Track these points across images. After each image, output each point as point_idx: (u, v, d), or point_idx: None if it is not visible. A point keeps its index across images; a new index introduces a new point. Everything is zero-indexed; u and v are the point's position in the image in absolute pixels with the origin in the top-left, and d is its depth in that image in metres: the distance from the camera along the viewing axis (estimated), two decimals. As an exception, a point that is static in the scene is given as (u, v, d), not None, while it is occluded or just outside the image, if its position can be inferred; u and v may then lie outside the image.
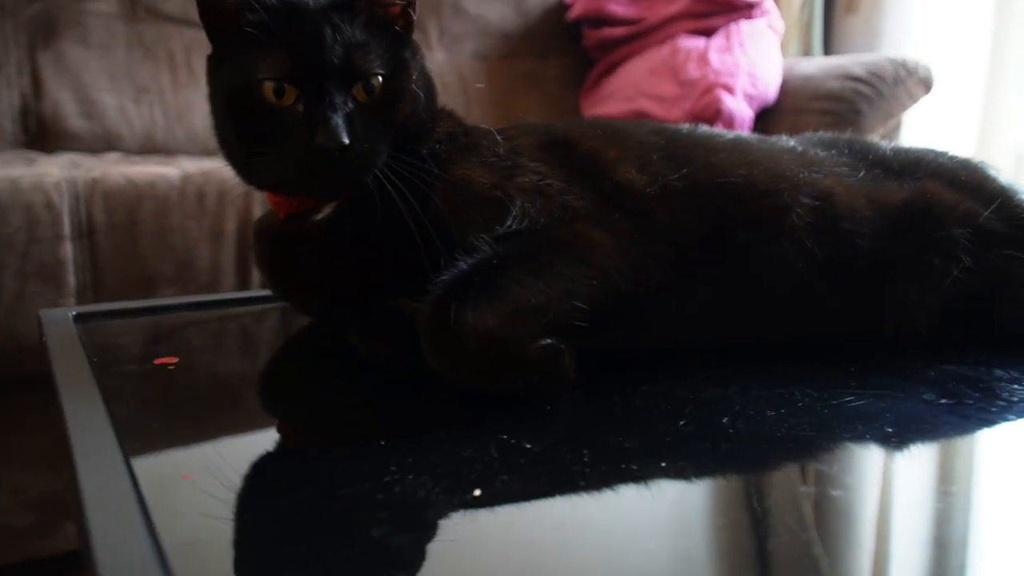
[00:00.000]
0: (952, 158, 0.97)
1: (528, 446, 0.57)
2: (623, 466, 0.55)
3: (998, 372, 0.74)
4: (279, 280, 0.84)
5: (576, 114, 2.70)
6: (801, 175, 0.85)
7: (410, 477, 0.52)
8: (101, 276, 1.39)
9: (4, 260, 1.31)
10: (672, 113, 2.31)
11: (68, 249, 1.36)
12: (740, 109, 2.21)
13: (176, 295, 1.40)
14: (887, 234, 0.84)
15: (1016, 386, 0.71)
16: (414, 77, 0.81)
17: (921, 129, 2.58)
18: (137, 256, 1.41)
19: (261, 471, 0.54)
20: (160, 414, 0.64)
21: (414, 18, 0.83)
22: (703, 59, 2.31)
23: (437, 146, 0.81)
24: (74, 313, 0.87)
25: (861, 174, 0.89)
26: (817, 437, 0.60)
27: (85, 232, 1.39)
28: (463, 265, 0.68)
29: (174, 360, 0.74)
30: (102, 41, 2.12)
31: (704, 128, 0.96)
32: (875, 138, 2.22)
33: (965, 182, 0.90)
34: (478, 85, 2.44)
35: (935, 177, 0.90)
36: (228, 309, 0.95)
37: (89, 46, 2.09)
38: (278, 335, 0.89)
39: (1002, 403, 0.67)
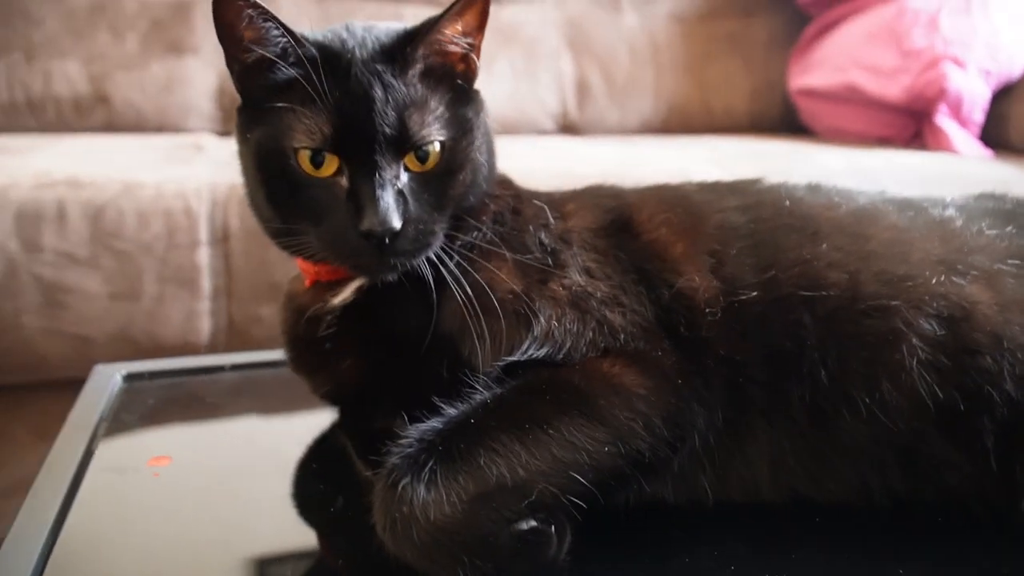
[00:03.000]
0: None
1: None
2: None
3: None
4: (297, 358, 0.76)
5: (782, 82, 2.41)
6: (935, 279, 0.63)
7: None
8: (234, 281, 1.42)
9: (144, 265, 1.36)
10: (889, 89, 1.98)
11: (204, 254, 1.40)
12: (971, 87, 1.84)
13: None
14: None
15: None
16: (477, 142, 0.69)
17: None
18: (267, 262, 1.42)
19: None
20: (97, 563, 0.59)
21: (476, 65, 0.71)
22: (933, 23, 1.94)
23: (476, 234, 0.69)
24: (124, 373, 0.86)
25: None
26: None
27: (220, 238, 1.41)
28: (434, 423, 0.57)
29: (166, 461, 0.70)
30: (291, 19, 2.15)
31: (823, 190, 0.76)
32: None
33: None
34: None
35: None
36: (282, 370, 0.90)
37: (279, 24, 2.13)
38: (313, 415, 0.82)
39: None
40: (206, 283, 1.40)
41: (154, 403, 0.82)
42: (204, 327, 1.41)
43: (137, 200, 1.37)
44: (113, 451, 0.73)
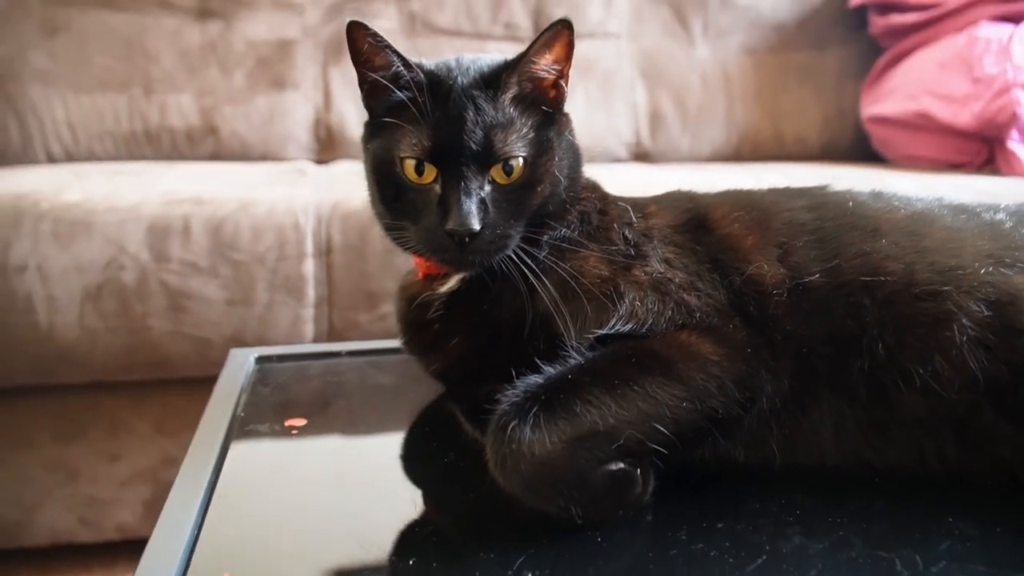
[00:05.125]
0: None
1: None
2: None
3: None
4: (409, 340, 0.87)
5: (854, 111, 2.46)
6: (984, 270, 0.70)
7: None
8: (335, 290, 1.55)
9: (257, 274, 1.50)
10: (961, 116, 2.03)
11: (310, 266, 1.53)
12: (1044, 114, 1.87)
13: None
14: None
15: None
16: (557, 159, 0.79)
17: None
18: (366, 273, 1.55)
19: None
20: (251, 498, 0.71)
21: (565, 90, 0.81)
22: (1004, 52, 1.98)
23: (565, 231, 0.80)
24: (256, 355, 0.99)
25: None
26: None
27: (324, 251, 1.54)
28: (537, 378, 0.66)
29: (301, 422, 0.82)
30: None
31: (884, 196, 0.83)
32: None
33: None
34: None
35: None
36: (400, 356, 1.00)
37: (370, 59, 2.28)
38: (428, 391, 0.92)
39: None
40: (311, 292, 1.53)
41: (285, 379, 0.94)
42: (308, 332, 1.54)
43: (252, 216, 1.52)
44: (255, 415, 0.84)
